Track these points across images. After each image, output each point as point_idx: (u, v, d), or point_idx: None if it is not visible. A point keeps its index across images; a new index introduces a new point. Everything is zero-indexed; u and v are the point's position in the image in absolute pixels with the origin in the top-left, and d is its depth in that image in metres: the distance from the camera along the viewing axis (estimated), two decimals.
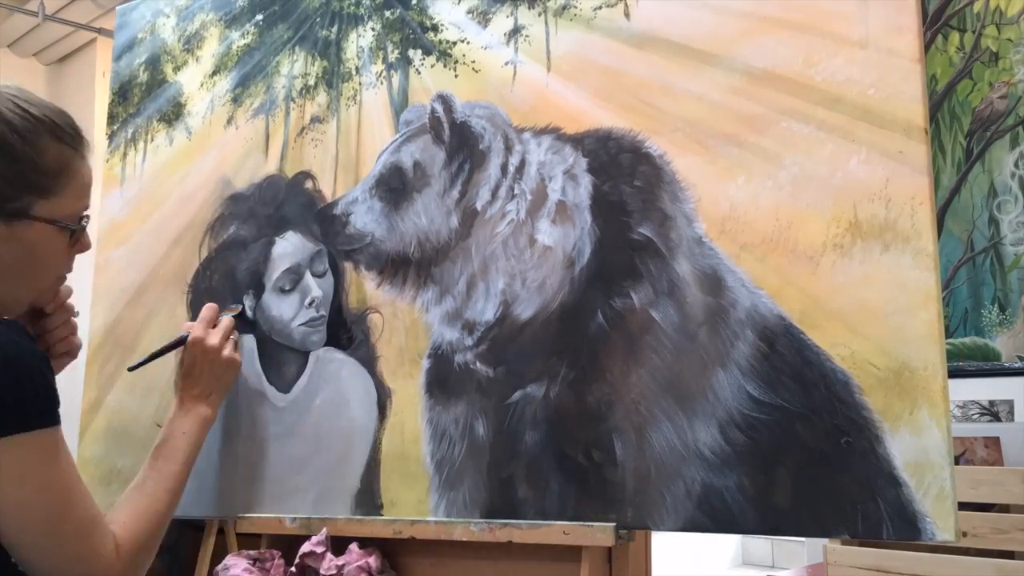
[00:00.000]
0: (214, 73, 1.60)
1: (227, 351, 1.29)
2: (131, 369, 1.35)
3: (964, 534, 1.75)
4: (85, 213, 1.04)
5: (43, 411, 0.93)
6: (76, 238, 1.04)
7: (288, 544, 1.28)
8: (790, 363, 1.02)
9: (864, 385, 0.98)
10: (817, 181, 1.04)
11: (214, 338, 1.29)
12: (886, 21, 1.02)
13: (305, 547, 1.23)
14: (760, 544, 4.69)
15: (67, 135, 1.01)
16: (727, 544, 4.67)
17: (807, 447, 0.99)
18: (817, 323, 1.01)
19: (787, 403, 1.01)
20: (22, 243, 0.98)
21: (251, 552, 1.25)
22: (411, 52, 1.37)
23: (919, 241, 0.97)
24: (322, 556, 1.22)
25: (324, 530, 1.24)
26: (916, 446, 0.94)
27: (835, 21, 1.05)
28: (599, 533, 1.06)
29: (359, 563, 1.21)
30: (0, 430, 0.90)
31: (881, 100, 1.01)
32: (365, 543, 1.24)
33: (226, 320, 1.33)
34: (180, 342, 1.30)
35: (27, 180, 0.97)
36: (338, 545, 1.24)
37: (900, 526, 0.94)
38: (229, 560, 1.23)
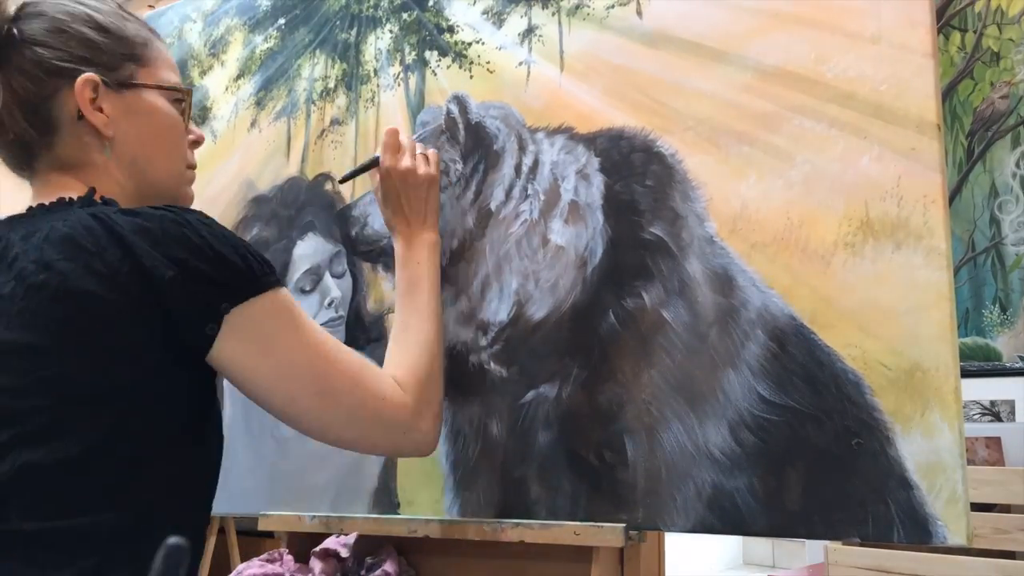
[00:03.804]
0: (238, 77, 1.63)
1: (422, 169, 1.19)
2: (341, 181, 1.33)
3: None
4: (187, 89, 1.02)
5: (267, 272, 0.88)
6: (186, 113, 1.01)
7: (309, 542, 1.29)
8: (801, 364, 1.01)
9: (875, 386, 0.96)
10: (828, 179, 1.02)
11: (405, 161, 1.19)
12: (899, 16, 1.00)
13: (332, 544, 1.24)
14: (761, 544, 4.65)
15: (132, 14, 1.00)
16: (728, 544, 4.63)
17: (817, 448, 0.98)
18: (828, 323, 1.00)
19: (797, 404, 1.00)
20: (139, 115, 0.96)
21: (260, 556, 1.26)
22: (427, 53, 1.38)
23: (931, 239, 0.95)
24: (345, 561, 1.23)
25: (355, 536, 1.24)
26: (928, 448, 0.92)
27: (847, 16, 1.04)
28: (609, 534, 1.06)
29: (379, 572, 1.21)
30: (235, 296, 0.85)
31: (893, 96, 0.99)
32: (380, 542, 1.25)
33: (407, 141, 1.23)
34: (373, 162, 1.22)
35: (123, 47, 0.95)
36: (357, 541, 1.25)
37: (911, 529, 0.92)
38: (241, 566, 1.25)
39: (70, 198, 0.90)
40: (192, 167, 1.05)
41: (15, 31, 0.90)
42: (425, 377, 1.03)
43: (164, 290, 0.81)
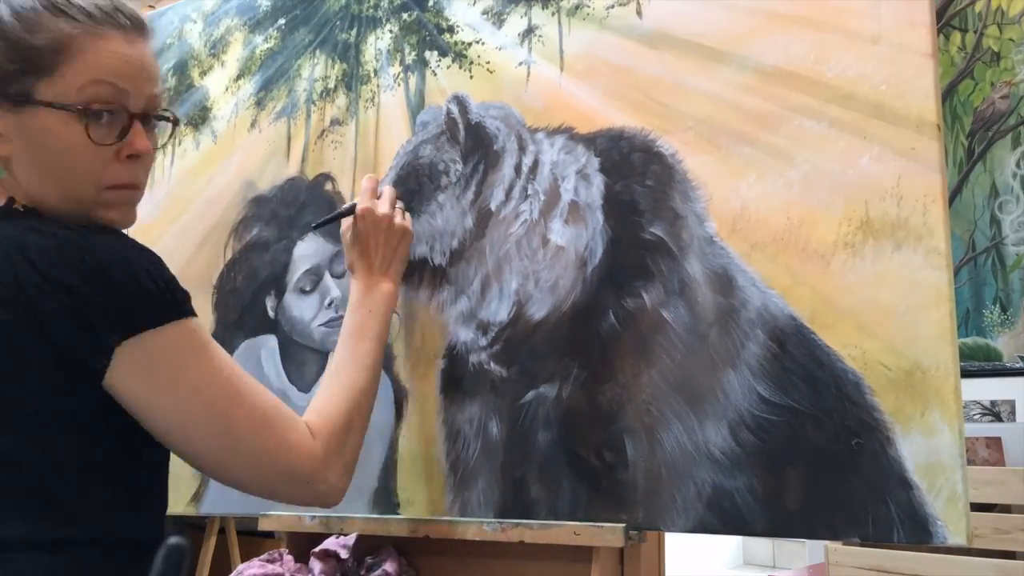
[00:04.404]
0: (238, 77, 1.63)
1: (398, 219, 1.20)
2: (314, 228, 1.33)
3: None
4: (108, 100, 0.86)
5: (167, 304, 0.83)
6: (114, 126, 0.86)
7: (309, 542, 1.30)
8: (801, 364, 1.01)
9: (875, 386, 0.96)
10: (828, 179, 1.02)
11: (383, 207, 1.19)
12: (899, 16, 1.00)
13: (331, 545, 1.24)
14: (761, 544, 4.65)
15: (73, 8, 0.86)
16: (728, 544, 4.63)
17: (817, 448, 0.98)
18: (828, 323, 1.00)
19: (797, 404, 1.00)
20: (32, 136, 0.85)
21: (260, 557, 1.27)
22: (427, 54, 1.38)
23: (931, 239, 0.95)
24: (345, 562, 1.22)
25: (354, 536, 1.25)
26: (927, 448, 0.92)
27: (847, 17, 1.04)
28: (609, 534, 1.06)
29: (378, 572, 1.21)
30: (126, 327, 0.80)
31: (893, 96, 0.99)
32: (380, 541, 1.25)
33: (388, 190, 1.25)
34: (349, 211, 1.22)
35: (21, 59, 0.84)
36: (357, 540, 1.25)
37: (911, 529, 0.92)
38: (242, 566, 1.25)
39: None
40: (120, 187, 0.89)
41: None
42: (341, 427, 0.97)
43: (48, 321, 0.78)
